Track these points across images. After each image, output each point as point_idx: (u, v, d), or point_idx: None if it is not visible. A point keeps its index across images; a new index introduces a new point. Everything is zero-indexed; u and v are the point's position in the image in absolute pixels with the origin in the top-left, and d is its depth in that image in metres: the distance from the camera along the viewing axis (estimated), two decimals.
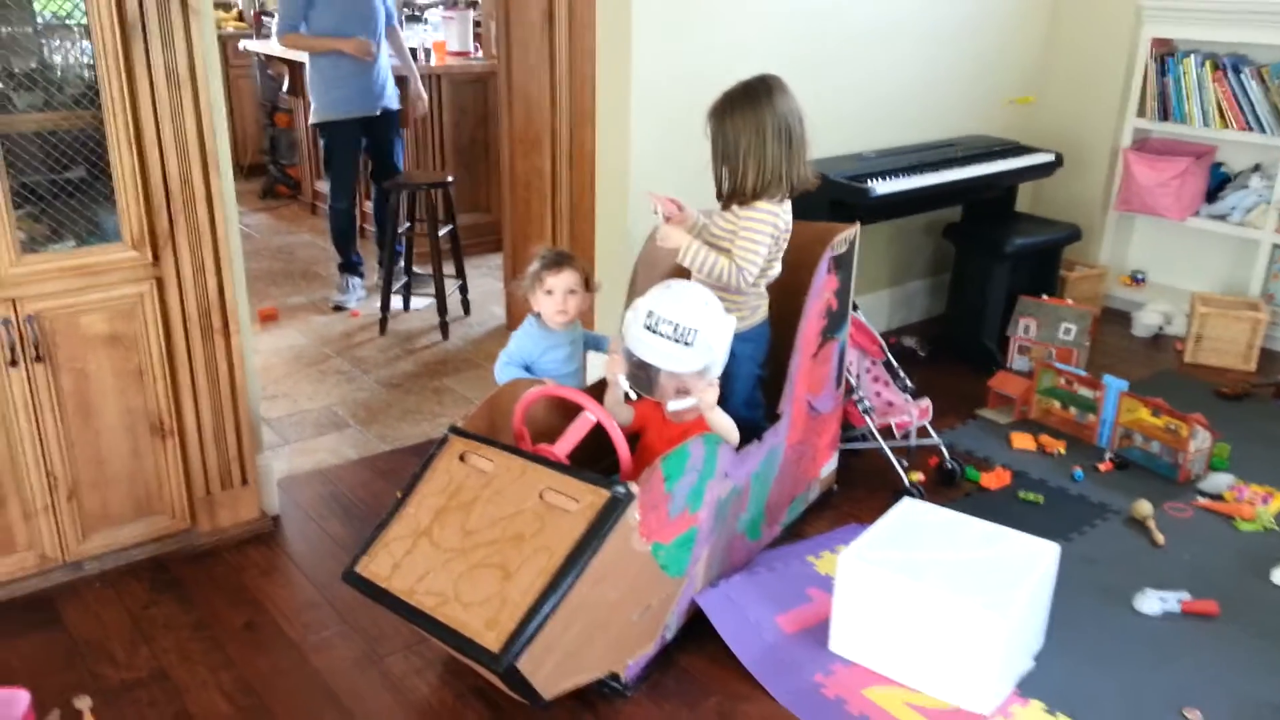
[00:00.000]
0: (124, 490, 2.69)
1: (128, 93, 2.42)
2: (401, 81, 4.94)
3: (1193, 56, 4.44)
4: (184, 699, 2.28)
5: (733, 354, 2.58)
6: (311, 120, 4.74)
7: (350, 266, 4.94)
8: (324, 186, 6.35)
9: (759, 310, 2.73)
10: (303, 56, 5.90)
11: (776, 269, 2.71)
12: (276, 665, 2.39)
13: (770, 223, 2.57)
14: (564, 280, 2.67)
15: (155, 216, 2.53)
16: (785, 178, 2.57)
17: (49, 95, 2.45)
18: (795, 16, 3.64)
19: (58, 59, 2.51)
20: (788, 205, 2.64)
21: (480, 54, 5.89)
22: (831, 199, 3.62)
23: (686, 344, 2.35)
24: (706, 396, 2.42)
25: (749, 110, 2.55)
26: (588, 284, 2.74)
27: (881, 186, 3.62)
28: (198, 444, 2.75)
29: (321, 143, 4.82)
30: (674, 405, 2.44)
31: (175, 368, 2.67)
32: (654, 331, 2.37)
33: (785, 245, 2.69)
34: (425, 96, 5.10)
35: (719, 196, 2.66)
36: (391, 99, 4.82)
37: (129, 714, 2.23)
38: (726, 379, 2.60)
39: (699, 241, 2.59)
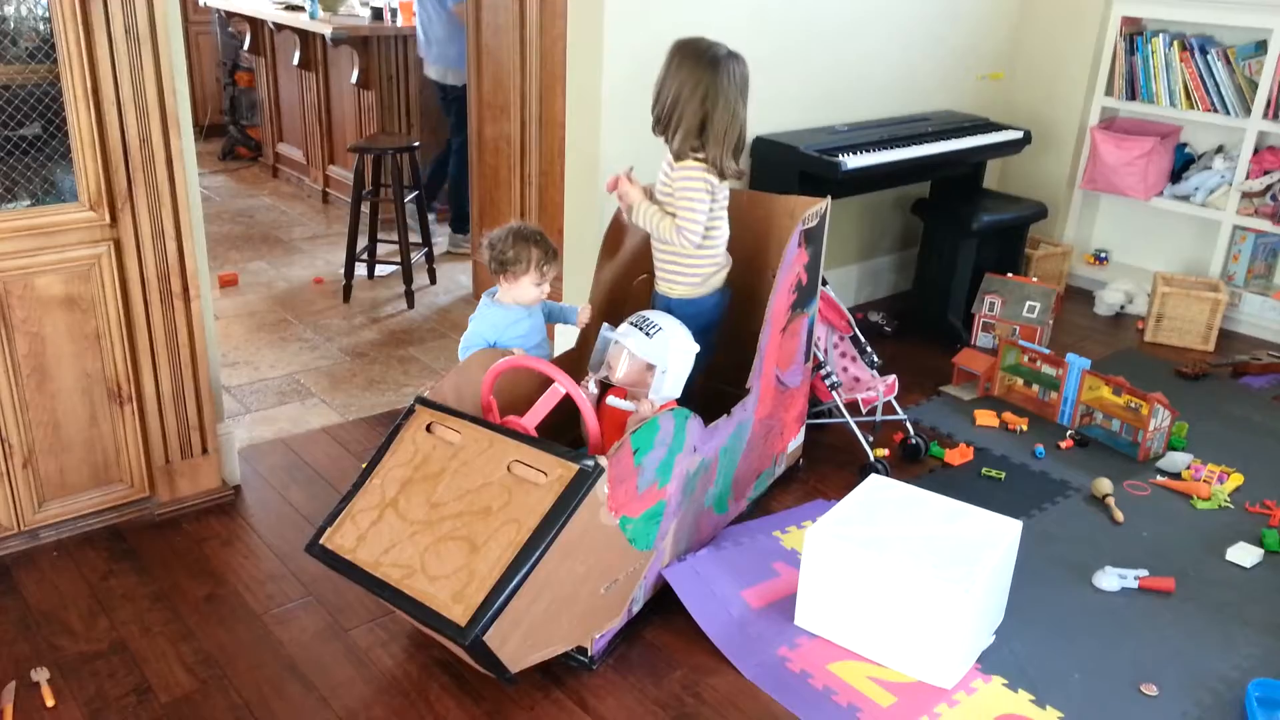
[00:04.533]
0: (81, 457, 2.63)
1: (85, 47, 2.34)
2: None
3: (1161, 36, 4.46)
4: (144, 671, 2.24)
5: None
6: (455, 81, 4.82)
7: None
8: (290, 149, 6.25)
9: (711, 280, 2.73)
10: (270, 14, 5.79)
11: (723, 231, 2.72)
12: (238, 637, 2.36)
13: (702, 179, 2.59)
14: (557, 269, 2.76)
15: (113, 176, 2.47)
16: (708, 156, 2.58)
17: (1, 49, 2.36)
18: None
19: (10, 10, 2.42)
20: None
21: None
22: (802, 171, 3.61)
23: (648, 335, 2.54)
24: (643, 408, 2.51)
25: (699, 71, 2.55)
26: None
27: (852, 161, 3.61)
28: (156, 411, 2.69)
29: (450, 98, 4.96)
30: (614, 401, 2.58)
31: (134, 332, 2.61)
32: (631, 324, 2.57)
33: (725, 205, 2.70)
34: None
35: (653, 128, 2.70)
36: None
37: (88, 686, 2.19)
38: None
39: (648, 201, 2.69)
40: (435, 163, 5.36)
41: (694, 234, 2.61)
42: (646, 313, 2.62)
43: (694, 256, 2.68)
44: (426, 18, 4.87)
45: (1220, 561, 2.82)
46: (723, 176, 2.61)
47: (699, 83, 2.54)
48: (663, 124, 2.63)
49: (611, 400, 2.59)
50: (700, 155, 2.58)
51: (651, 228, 2.67)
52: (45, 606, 2.43)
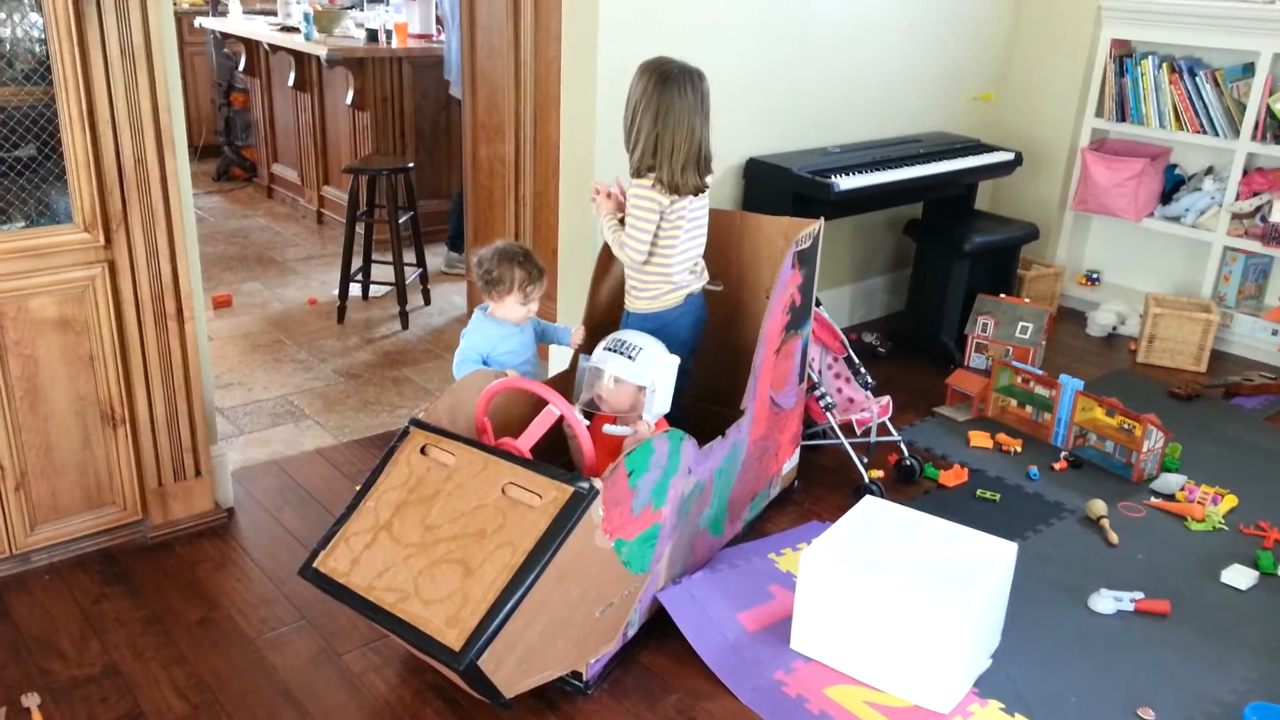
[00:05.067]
0: (73, 480, 2.62)
1: (81, 68, 2.35)
2: None
3: (1150, 58, 4.50)
4: (136, 696, 2.22)
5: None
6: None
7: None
8: (285, 170, 6.26)
9: (665, 298, 2.72)
10: (266, 36, 5.80)
11: (680, 251, 2.67)
12: (231, 662, 2.35)
13: (650, 200, 2.60)
14: (542, 290, 2.77)
15: (108, 197, 2.46)
16: (660, 175, 2.58)
17: None
18: (765, 8, 3.63)
19: (5, 32, 2.42)
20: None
21: (443, 36, 5.81)
22: (795, 193, 3.63)
23: (630, 358, 2.54)
24: (641, 429, 2.50)
25: (650, 88, 2.57)
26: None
27: (845, 182, 3.62)
28: (150, 433, 2.68)
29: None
30: (609, 429, 2.58)
31: (127, 354, 2.60)
32: (609, 350, 2.58)
33: (689, 228, 2.67)
34: None
35: None
36: None
37: (79, 711, 2.17)
38: None
39: (612, 215, 2.73)
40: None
41: (635, 250, 2.64)
42: (619, 335, 2.62)
43: (642, 273, 2.70)
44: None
45: (1215, 584, 2.81)
46: (678, 192, 2.60)
47: (650, 100, 2.56)
48: (625, 143, 2.65)
49: (607, 428, 2.59)
50: (654, 174, 2.59)
51: (610, 240, 2.72)
52: (36, 631, 2.41)
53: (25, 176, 2.42)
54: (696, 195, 2.65)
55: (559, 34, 3.40)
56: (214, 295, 4.52)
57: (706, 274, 2.81)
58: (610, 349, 2.57)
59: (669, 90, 2.56)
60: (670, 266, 2.69)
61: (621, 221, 2.70)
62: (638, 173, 2.62)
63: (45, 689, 2.22)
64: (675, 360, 2.60)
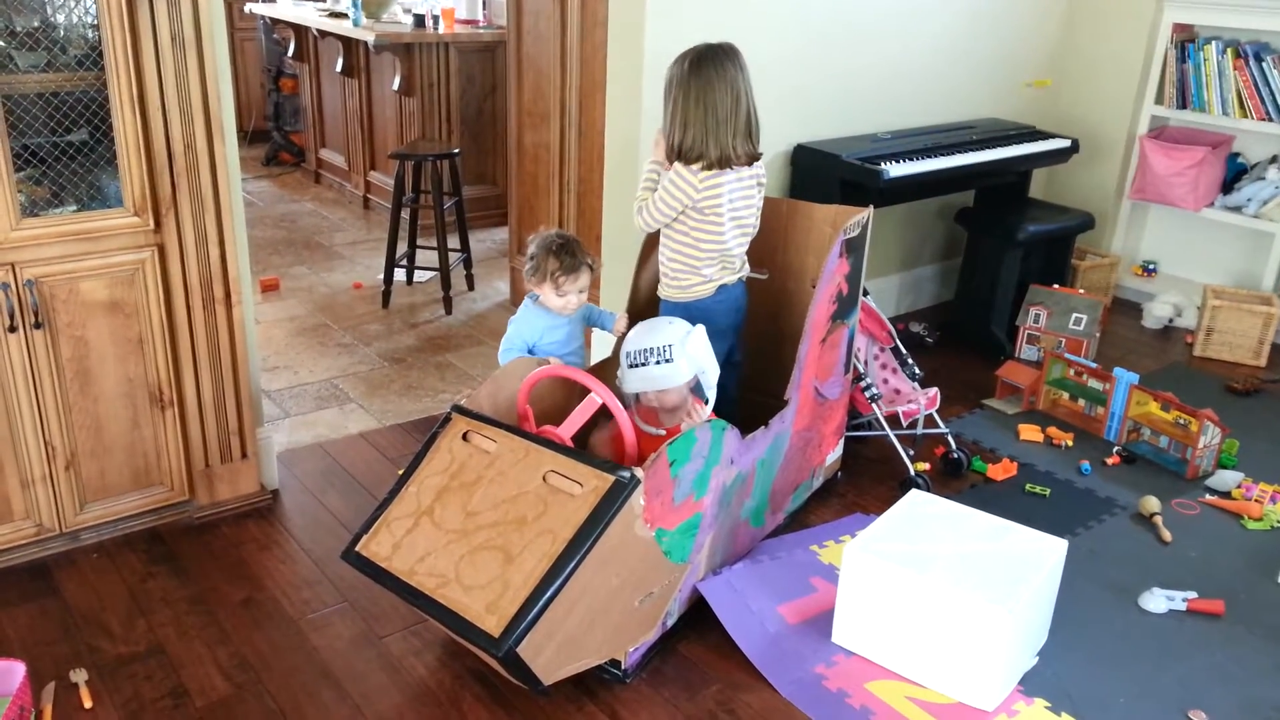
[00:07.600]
0: (122, 460, 2.65)
1: (131, 54, 2.36)
2: None
3: (1214, 43, 4.37)
4: (180, 674, 2.25)
5: None
6: None
7: None
8: (332, 155, 6.31)
9: (692, 288, 2.68)
10: (314, 21, 5.85)
11: (716, 242, 2.63)
12: (273, 642, 2.37)
13: (682, 189, 2.57)
14: (579, 283, 2.69)
15: (158, 182, 2.49)
16: (704, 152, 2.55)
17: (51, 55, 2.40)
18: None
19: (60, 18, 2.45)
20: (714, 179, 2.56)
21: (489, 22, 5.82)
22: (843, 180, 3.58)
23: (668, 360, 2.43)
24: (700, 415, 2.47)
25: (695, 73, 2.55)
26: (591, 269, 2.74)
27: (895, 169, 3.57)
28: (197, 415, 2.71)
29: None
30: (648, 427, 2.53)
31: (176, 337, 2.63)
32: (639, 365, 2.46)
33: (730, 216, 2.62)
34: None
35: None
36: None
37: (125, 688, 2.21)
38: None
39: (653, 172, 2.69)
40: None
41: (644, 222, 2.65)
42: (639, 343, 2.48)
43: (670, 261, 2.68)
44: None
45: (1272, 584, 2.74)
46: (730, 166, 2.56)
47: (686, 83, 2.54)
48: (668, 136, 2.61)
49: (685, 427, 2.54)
50: (702, 160, 2.55)
51: (638, 195, 2.69)
52: (85, 608, 2.45)
53: (77, 161, 2.45)
54: (751, 164, 2.62)
55: (605, 19, 3.37)
56: (262, 279, 4.57)
57: (747, 266, 2.77)
58: (638, 364, 2.46)
59: (705, 68, 2.54)
60: (699, 258, 2.64)
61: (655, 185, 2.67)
62: (686, 161, 2.57)
63: (92, 665, 2.26)
64: (701, 328, 2.52)
